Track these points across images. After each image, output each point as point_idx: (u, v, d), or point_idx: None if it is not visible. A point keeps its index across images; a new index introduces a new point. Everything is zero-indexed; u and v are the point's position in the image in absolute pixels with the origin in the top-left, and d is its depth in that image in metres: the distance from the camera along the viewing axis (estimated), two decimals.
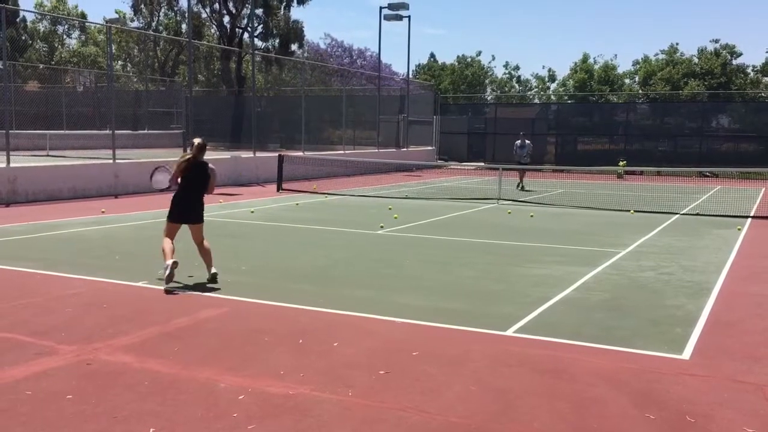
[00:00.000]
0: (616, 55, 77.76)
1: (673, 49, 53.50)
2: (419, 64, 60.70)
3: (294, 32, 46.49)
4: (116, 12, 54.04)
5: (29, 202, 15.94)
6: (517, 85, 61.47)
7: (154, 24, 50.06)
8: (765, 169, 28.67)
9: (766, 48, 56.38)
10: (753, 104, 40.98)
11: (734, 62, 51.20)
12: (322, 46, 57.91)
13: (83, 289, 7.81)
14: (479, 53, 60.23)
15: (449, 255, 10.35)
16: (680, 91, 47.73)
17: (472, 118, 39.73)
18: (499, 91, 59.82)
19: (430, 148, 36.68)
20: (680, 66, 50.97)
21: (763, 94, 48.51)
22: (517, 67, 61.45)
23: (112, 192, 17.79)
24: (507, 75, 61.76)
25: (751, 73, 51.99)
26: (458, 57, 60.12)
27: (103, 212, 14.29)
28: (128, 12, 50.68)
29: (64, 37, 59.83)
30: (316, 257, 10.02)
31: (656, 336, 6.35)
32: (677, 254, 10.62)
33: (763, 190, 22.30)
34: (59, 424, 4.33)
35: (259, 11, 44.88)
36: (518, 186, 22.05)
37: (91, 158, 21.32)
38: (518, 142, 22.47)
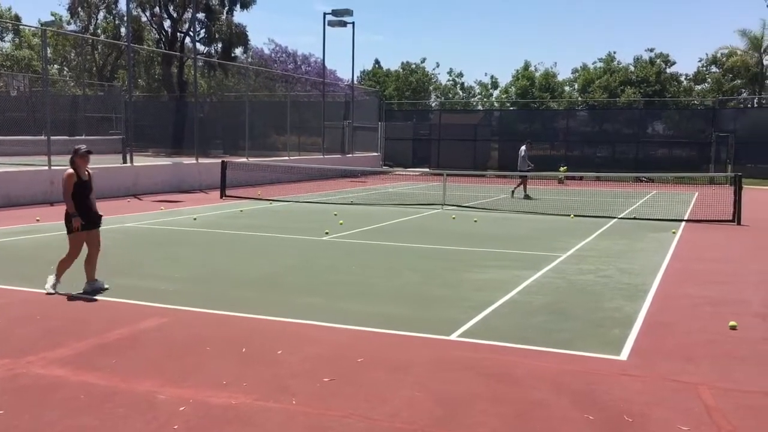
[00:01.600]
0: (555, 63, 79.94)
1: (610, 58, 55.02)
2: (364, 70, 60.80)
3: (237, 37, 46.01)
4: (52, 15, 52.63)
5: None
6: (461, 92, 62.18)
7: (91, 27, 48.80)
8: (698, 174, 29.76)
9: (699, 57, 58.46)
10: (686, 111, 42.45)
11: (668, 70, 52.97)
12: (266, 51, 57.48)
13: (15, 299, 7.53)
14: (424, 60, 60.68)
15: (394, 261, 10.37)
16: (617, 99, 49.10)
17: (417, 124, 40.05)
18: (443, 98, 60.41)
19: (375, 154, 36.77)
20: (617, 74, 52.43)
21: (695, 102, 50.30)
22: (460, 74, 62.18)
23: (48, 199, 17.24)
24: (451, 82, 62.42)
25: (684, 81, 53.91)
26: (403, 63, 60.45)
27: (38, 220, 13.83)
28: (65, 15, 49.34)
29: None
30: (260, 264, 9.91)
31: (596, 338, 6.49)
32: (615, 257, 10.89)
33: (696, 194, 23.09)
34: None
35: (201, 15, 44.28)
36: (524, 196, 21.13)
37: (25, 164, 20.61)
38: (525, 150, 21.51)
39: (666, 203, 19.68)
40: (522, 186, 21.67)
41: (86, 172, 7.91)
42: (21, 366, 5.45)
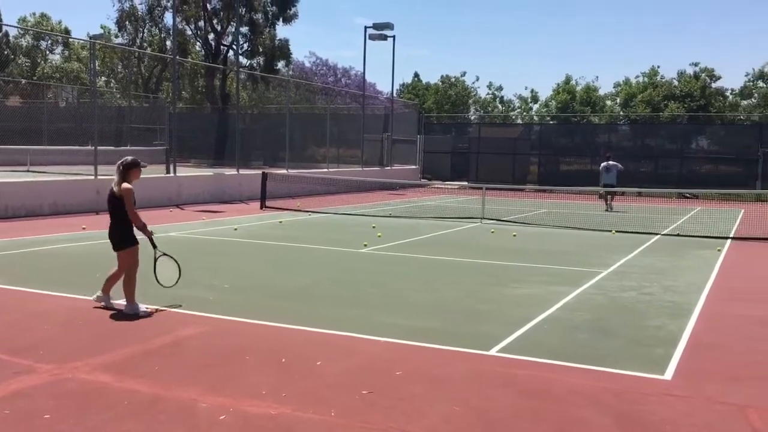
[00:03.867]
0: (597, 77, 79.14)
1: (653, 72, 54.31)
2: (403, 84, 61.09)
3: (280, 50, 46.58)
4: (101, 28, 54.06)
5: (9, 218, 15.75)
6: (500, 105, 61.98)
7: (138, 40, 49.97)
8: (744, 191, 29.08)
9: (745, 71, 57.31)
10: (732, 127, 41.64)
11: (713, 85, 52.04)
12: (307, 64, 58.15)
13: (62, 306, 7.70)
14: (464, 73, 60.72)
15: (432, 274, 10.34)
16: (660, 113, 48.36)
17: (456, 138, 39.98)
18: (482, 111, 60.26)
19: (413, 166, 36.79)
20: (660, 88, 51.71)
21: (741, 117, 49.26)
22: (500, 88, 62.09)
23: (94, 208, 17.61)
24: (490, 95, 62.32)
25: (730, 96, 52.88)
26: (442, 77, 60.59)
27: (83, 228, 14.15)
28: (113, 28, 50.65)
29: (47, 52, 59.57)
30: (299, 275, 9.98)
31: (638, 356, 6.37)
32: (659, 274, 10.69)
33: (743, 211, 22.57)
34: None
35: (245, 29, 44.97)
36: (606, 209, 22.19)
37: (72, 174, 21.14)
38: (603, 164, 23.01)
39: (711, 220, 19.27)
40: (612, 199, 22.84)
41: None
42: (67, 371, 5.57)
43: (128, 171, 7.42)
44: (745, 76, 53.63)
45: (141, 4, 47.37)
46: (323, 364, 5.89)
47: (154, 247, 7.76)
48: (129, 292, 7.43)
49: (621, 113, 53.45)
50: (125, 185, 7.37)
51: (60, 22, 60.16)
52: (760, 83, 51.38)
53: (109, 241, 7.61)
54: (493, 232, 15.77)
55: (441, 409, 4.97)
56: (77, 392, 5.13)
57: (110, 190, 7.48)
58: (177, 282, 7.81)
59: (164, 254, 7.81)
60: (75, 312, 7.45)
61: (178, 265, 7.81)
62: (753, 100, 51.98)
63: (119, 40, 49.65)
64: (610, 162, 23.06)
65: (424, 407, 5.01)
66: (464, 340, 6.72)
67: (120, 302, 7.53)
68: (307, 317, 7.41)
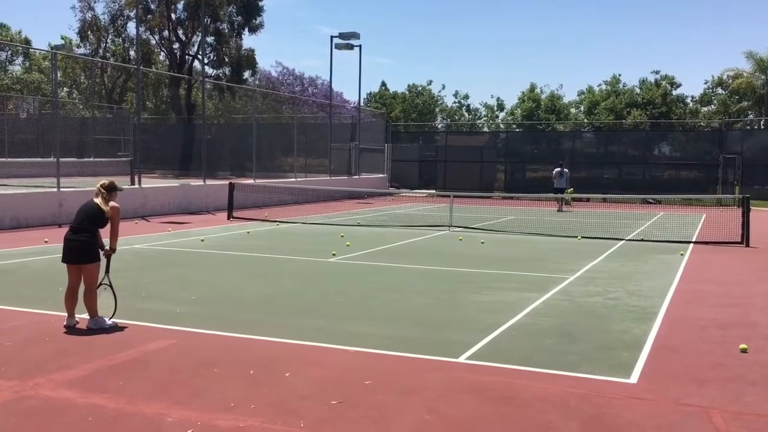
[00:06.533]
0: (561, 85, 79.92)
1: (615, 80, 55.21)
2: (370, 93, 61.16)
3: (246, 60, 46.42)
4: (62, 38, 53.30)
5: None
6: (466, 114, 62.43)
7: (101, 51, 49.34)
8: (706, 196, 29.69)
9: (704, 79, 58.57)
10: (693, 133, 42.47)
11: (674, 92, 53.10)
12: (274, 74, 57.99)
13: (24, 321, 7.54)
14: (430, 82, 61.02)
15: (401, 282, 10.36)
16: (623, 121, 49.17)
17: (423, 146, 40.20)
18: (449, 120, 60.63)
19: (381, 175, 36.87)
20: (623, 96, 52.60)
21: (701, 124, 50.33)
22: (466, 96, 62.49)
23: (56, 221, 17.31)
24: (457, 104, 62.73)
25: (690, 104, 53.99)
26: (409, 86, 60.84)
27: (46, 242, 13.88)
28: (75, 38, 49.94)
29: (7, 63, 58.49)
30: (268, 286, 9.92)
31: (604, 360, 6.45)
32: (623, 279, 10.85)
33: (704, 216, 23.03)
34: None
35: (211, 39, 44.71)
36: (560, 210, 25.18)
37: (34, 186, 20.74)
38: (557, 170, 25.77)
39: (674, 225, 19.62)
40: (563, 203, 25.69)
41: None
42: (29, 388, 5.45)
43: (112, 192, 7.61)
44: (704, 83, 54.84)
45: (103, 14, 46.89)
46: (292, 375, 5.85)
47: (107, 272, 7.60)
48: (92, 307, 7.30)
49: (585, 121, 54.22)
50: (114, 204, 7.53)
51: (20, 33, 59.17)
52: (719, 90, 52.57)
53: (65, 255, 7.42)
54: (461, 239, 15.85)
55: (411, 418, 4.98)
56: (39, 409, 5.02)
57: (93, 206, 7.49)
58: (112, 316, 7.43)
59: (109, 285, 7.54)
60: (38, 327, 7.30)
61: (115, 301, 7.49)
62: (712, 106, 53.15)
63: (81, 51, 48.98)
64: (565, 169, 25.73)
65: (393, 416, 5.00)
66: (433, 348, 6.74)
67: (83, 317, 7.39)
68: (276, 328, 7.37)
